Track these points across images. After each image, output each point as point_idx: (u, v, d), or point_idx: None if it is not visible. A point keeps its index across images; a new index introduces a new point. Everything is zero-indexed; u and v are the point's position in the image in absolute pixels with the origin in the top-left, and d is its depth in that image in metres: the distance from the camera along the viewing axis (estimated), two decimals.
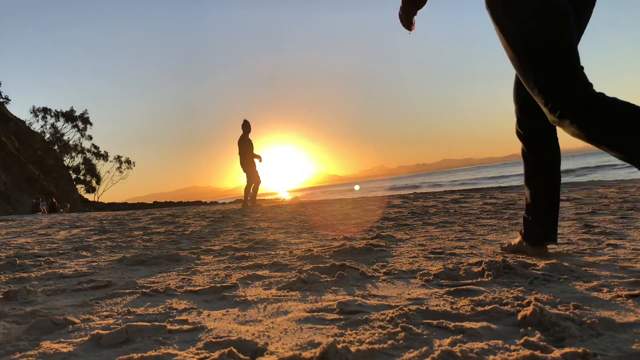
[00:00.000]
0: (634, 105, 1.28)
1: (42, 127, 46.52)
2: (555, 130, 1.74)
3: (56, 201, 26.00)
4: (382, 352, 0.90)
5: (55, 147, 46.43)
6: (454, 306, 1.19)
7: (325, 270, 1.72)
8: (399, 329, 1.00)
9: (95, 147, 50.13)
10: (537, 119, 1.70)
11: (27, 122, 45.59)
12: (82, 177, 48.88)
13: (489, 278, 1.49)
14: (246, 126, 9.59)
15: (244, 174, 9.77)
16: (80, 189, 48.39)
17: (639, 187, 6.04)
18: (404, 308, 1.14)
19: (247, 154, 9.50)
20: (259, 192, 9.95)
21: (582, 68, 1.37)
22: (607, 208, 3.72)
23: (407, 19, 1.71)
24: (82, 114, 48.51)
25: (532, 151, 1.77)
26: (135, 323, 1.10)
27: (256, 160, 9.61)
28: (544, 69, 1.36)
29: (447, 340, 0.93)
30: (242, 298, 1.43)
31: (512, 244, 1.99)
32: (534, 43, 1.38)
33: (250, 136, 9.72)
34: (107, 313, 1.31)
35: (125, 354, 0.94)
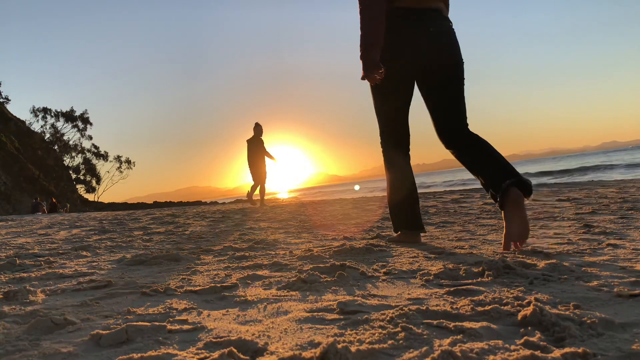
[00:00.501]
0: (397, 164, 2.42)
1: (42, 127, 46.55)
2: (469, 139, 2.25)
3: (56, 201, 26.00)
4: (382, 352, 0.90)
5: (55, 147, 46.43)
6: (454, 306, 1.19)
7: (325, 270, 1.72)
8: (399, 329, 1.00)
9: (95, 147, 50.18)
10: (454, 137, 2.29)
11: (27, 122, 45.59)
12: (82, 177, 48.90)
13: (489, 278, 1.49)
14: (257, 128, 9.88)
15: (247, 175, 9.93)
16: (80, 189, 48.42)
17: (639, 187, 6.04)
18: (404, 308, 1.14)
19: (256, 154, 9.74)
20: (256, 192, 10.07)
21: (393, 135, 2.42)
22: (607, 208, 3.72)
23: (370, 62, 2.20)
24: (82, 114, 48.52)
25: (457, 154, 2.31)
26: (135, 323, 1.09)
27: (270, 160, 9.88)
28: (380, 130, 2.48)
29: (447, 340, 0.93)
30: (242, 298, 1.43)
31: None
32: (377, 120, 2.46)
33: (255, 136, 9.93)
34: (107, 313, 1.31)
35: (125, 354, 0.94)
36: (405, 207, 2.41)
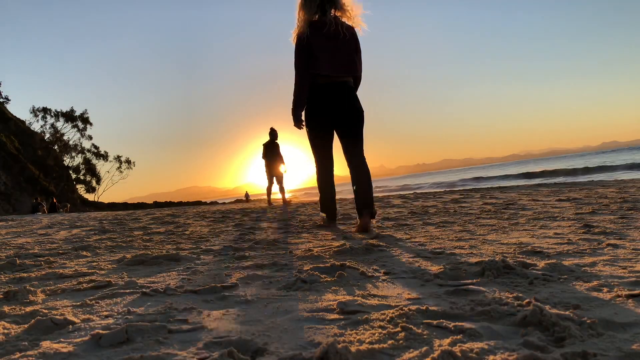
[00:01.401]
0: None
1: (42, 127, 46.50)
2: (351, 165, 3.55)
3: (56, 201, 26.01)
4: (382, 352, 0.90)
5: (55, 147, 46.40)
6: (454, 306, 1.19)
7: (325, 270, 1.72)
8: (399, 329, 1.00)
9: (95, 147, 50.12)
10: (354, 159, 3.53)
11: (27, 122, 45.57)
12: (82, 177, 48.86)
13: (489, 278, 1.49)
14: (273, 133, 10.69)
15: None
16: (80, 189, 48.38)
17: (639, 187, 6.04)
18: (404, 308, 1.14)
19: (272, 157, 10.36)
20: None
21: (323, 157, 3.64)
22: (607, 208, 3.72)
23: (297, 118, 3.56)
24: (82, 114, 48.47)
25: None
26: (135, 323, 1.09)
27: (282, 166, 10.54)
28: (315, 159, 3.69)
29: (447, 340, 0.93)
30: (242, 298, 1.43)
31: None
32: (311, 150, 3.67)
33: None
34: (107, 313, 1.31)
35: (125, 354, 0.94)
36: (329, 203, 3.73)
